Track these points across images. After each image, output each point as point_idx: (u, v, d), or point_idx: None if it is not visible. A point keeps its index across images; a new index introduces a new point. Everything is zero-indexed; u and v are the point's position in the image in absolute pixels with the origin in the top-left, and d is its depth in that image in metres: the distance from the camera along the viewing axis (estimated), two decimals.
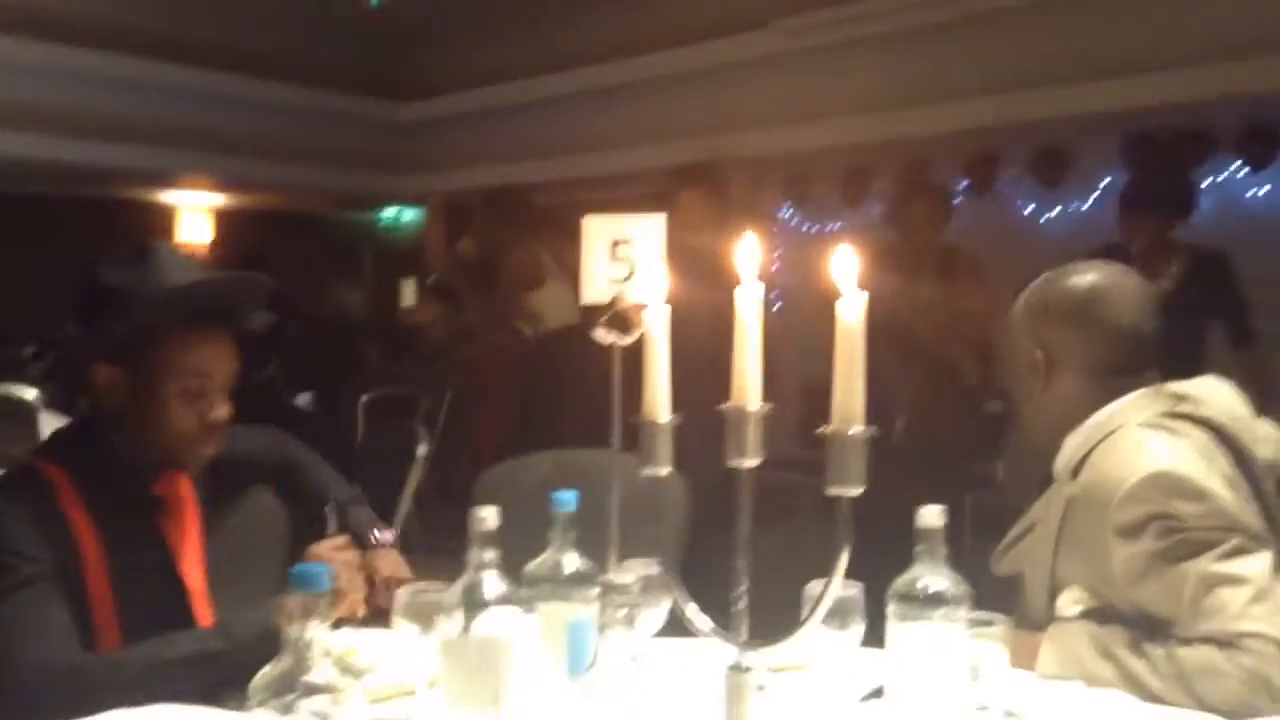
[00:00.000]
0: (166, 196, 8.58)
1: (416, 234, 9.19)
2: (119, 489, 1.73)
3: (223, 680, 1.53)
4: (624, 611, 1.28)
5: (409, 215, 9.39)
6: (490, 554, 1.39)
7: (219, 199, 8.77)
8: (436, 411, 5.16)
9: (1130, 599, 1.66)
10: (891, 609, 1.36)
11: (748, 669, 1.17)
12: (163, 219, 8.69)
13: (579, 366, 4.65)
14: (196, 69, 7.32)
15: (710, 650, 1.29)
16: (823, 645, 1.51)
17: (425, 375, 5.75)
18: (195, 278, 1.73)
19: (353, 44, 8.23)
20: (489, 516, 1.39)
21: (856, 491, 1.09)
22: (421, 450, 3.39)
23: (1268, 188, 5.87)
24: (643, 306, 1.31)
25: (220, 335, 1.74)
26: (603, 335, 1.40)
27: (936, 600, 1.34)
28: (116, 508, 1.70)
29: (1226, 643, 1.53)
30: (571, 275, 4.87)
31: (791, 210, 7.38)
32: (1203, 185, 5.98)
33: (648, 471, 1.26)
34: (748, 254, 1.16)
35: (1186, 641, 1.56)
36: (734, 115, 7.03)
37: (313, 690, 1.02)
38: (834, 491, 1.10)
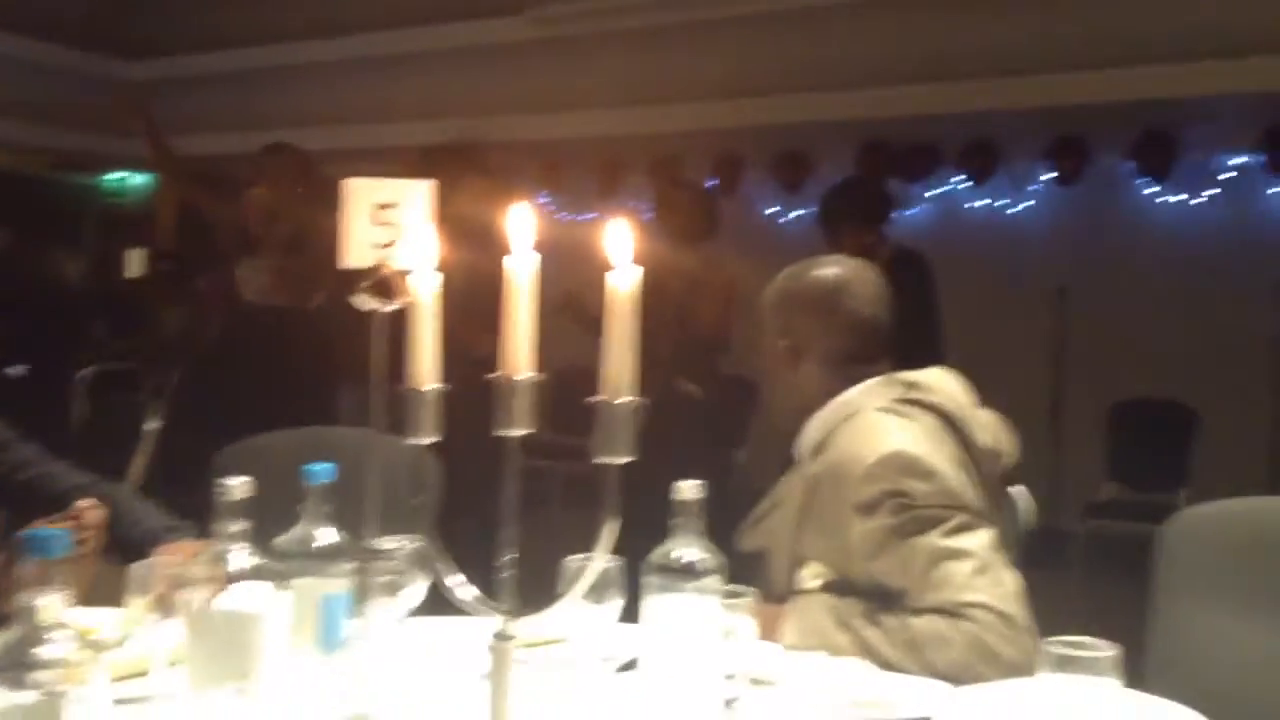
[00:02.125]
0: None
1: (144, 200, 8.65)
2: None
3: None
4: (386, 579, 1.25)
5: (136, 181, 8.82)
6: (238, 526, 1.33)
7: None
8: (165, 387, 4.88)
9: (867, 572, 1.76)
10: (648, 580, 1.39)
11: (511, 637, 1.16)
12: None
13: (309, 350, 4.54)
14: None
15: (467, 627, 1.28)
16: (581, 619, 1.52)
17: (153, 347, 5.43)
18: None
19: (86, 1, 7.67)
20: (237, 487, 1.33)
21: (624, 460, 1.11)
22: (150, 426, 3.19)
23: (986, 201, 6.35)
24: (407, 273, 1.29)
25: None
26: (364, 301, 1.36)
27: (691, 571, 1.38)
28: None
29: (953, 612, 1.64)
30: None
31: (548, 198, 7.40)
32: (925, 195, 6.43)
33: (411, 441, 1.24)
34: (521, 223, 1.16)
35: (917, 612, 1.67)
36: (489, 99, 6.99)
37: (46, 664, 0.95)
38: (601, 460, 1.11)
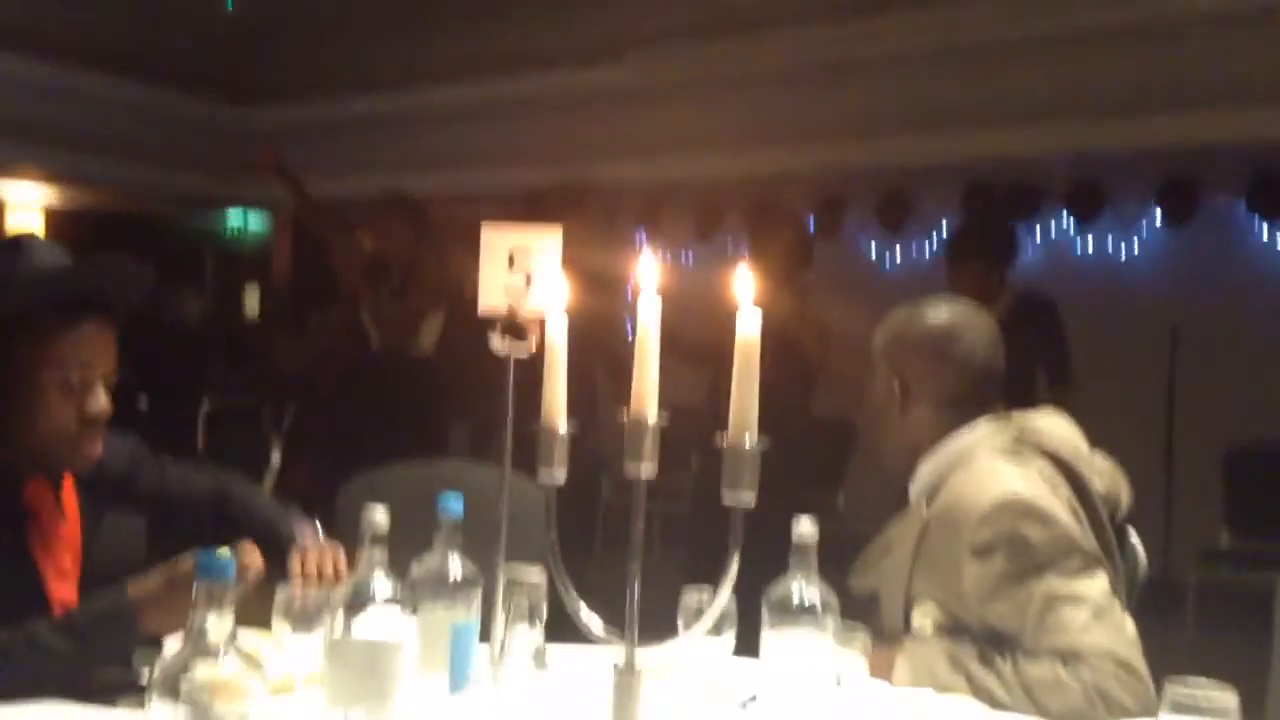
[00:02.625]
0: None
1: (261, 241, 8.96)
2: None
3: (71, 675, 1.50)
4: (524, 608, 1.30)
5: (254, 221, 9.15)
6: (379, 554, 1.40)
7: (49, 197, 8.38)
8: (283, 423, 5.05)
9: (980, 616, 1.76)
10: (766, 616, 1.42)
11: (636, 668, 1.20)
12: None
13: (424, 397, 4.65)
14: (40, 60, 7.02)
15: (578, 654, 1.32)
16: (700, 651, 1.56)
17: (270, 384, 5.62)
18: (68, 262, 1.67)
19: (204, 45, 8.01)
20: (380, 517, 1.39)
21: (750, 500, 1.15)
22: (275, 460, 3.32)
23: (1094, 242, 6.26)
24: (540, 317, 1.35)
25: (97, 324, 1.68)
26: (498, 344, 1.42)
27: (808, 610, 1.41)
28: None
29: (1069, 658, 1.64)
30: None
31: (645, 239, 7.49)
32: (1031, 236, 6.37)
33: (544, 480, 1.29)
34: (647, 268, 1.21)
35: (1032, 656, 1.67)
36: (593, 142, 7.11)
37: (212, 682, 1.02)
38: (729, 500, 1.16)
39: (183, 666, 1.03)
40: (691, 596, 1.53)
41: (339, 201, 6.74)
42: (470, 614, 1.50)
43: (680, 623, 1.52)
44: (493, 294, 1.42)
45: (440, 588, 1.51)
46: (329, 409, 4.68)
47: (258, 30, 8.12)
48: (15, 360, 1.61)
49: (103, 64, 7.31)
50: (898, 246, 6.71)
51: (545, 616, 1.31)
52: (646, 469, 1.21)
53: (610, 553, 1.34)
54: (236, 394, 5.86)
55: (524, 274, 1.40)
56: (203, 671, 1.04)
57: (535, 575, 1.31)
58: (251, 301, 7.88)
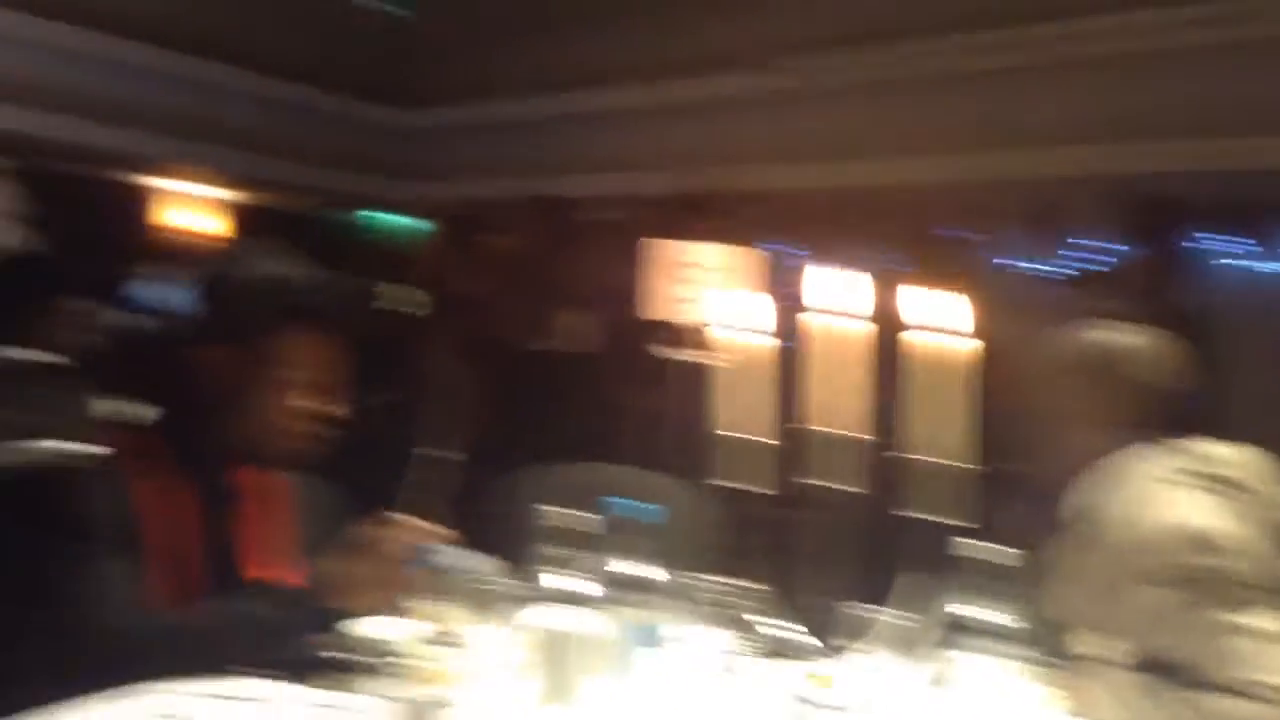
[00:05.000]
0: (162, 182, 8.57)
1: (407, 240, 9.21)
2: (199, 476, 1.77)
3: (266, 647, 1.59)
4: (722, 610, 1.33)
5: (404, 222, 9.41)
6: (558, 551, 1.45)
7: (213, 190, 8.77)
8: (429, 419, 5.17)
9: (1148, 644, 1.74)
10: (951, 641, 1.42)
11: (824, 679, 1.23)
12: (155, 204, 8.68)
13: (572, 392, 4.73)
14: (203, 59, 7.36)
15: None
16: (889, 669, 1.56)
17: (416, 382, 5.76)
18: (305, 274, 1.80)
19: (361, 48, 8.28)
20: (555, 514, 1.45)
21: (942, 518, 1.17)
22: (429, 453, 3.41)
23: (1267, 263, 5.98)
24: (702, 326, 1.39)
25: (327, 332, 1.80)
26: (661, 352, 1.46)
27: (996, 635, 1.41)
28: (193, 494, 1.74)
29: (1242, 691, 1.61)
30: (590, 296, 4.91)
31: (784, 247, 7.46)
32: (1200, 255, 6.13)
33: (720, 484, 1.32)
34: (859, 288, 1.23)
35: (1202, 688, 1.64)
36: (733, 148, 7.12)
37: (426, 668, 1.08)
38: (917, 515, 1.17)
39: (394, 650, 1.09)
40: (884, 617, 1.52)
41: (489, 202, 6.90)
42: (652, 616, 1.55)
43: (862, 640, 1.52)
44: (658, 304, 1.46)
45: (624, 590, 1.55)
46: (473, 406, 4.81)
47: (420, 38, 8.36)
48: (242, 359, 1.74)
49: (278, 69, 7.62)
50: (1054, 261, 6.55)
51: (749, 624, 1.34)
52: (841, 484, 1.23)
53: (769, 562, 1.37)
54: (380, 391, 6.01)
55: (690, 285, 1.44)
56: (413, 655, 1.10)
57: (742, 582, 1.34)
58: (394, 300, 8.09)
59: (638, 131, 7.64)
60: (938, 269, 4.20)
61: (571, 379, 4.37)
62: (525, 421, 4.20)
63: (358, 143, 8.53)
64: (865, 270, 5.11)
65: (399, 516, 1.72)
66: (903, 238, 6.47)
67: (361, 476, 3.31)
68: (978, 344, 4.14)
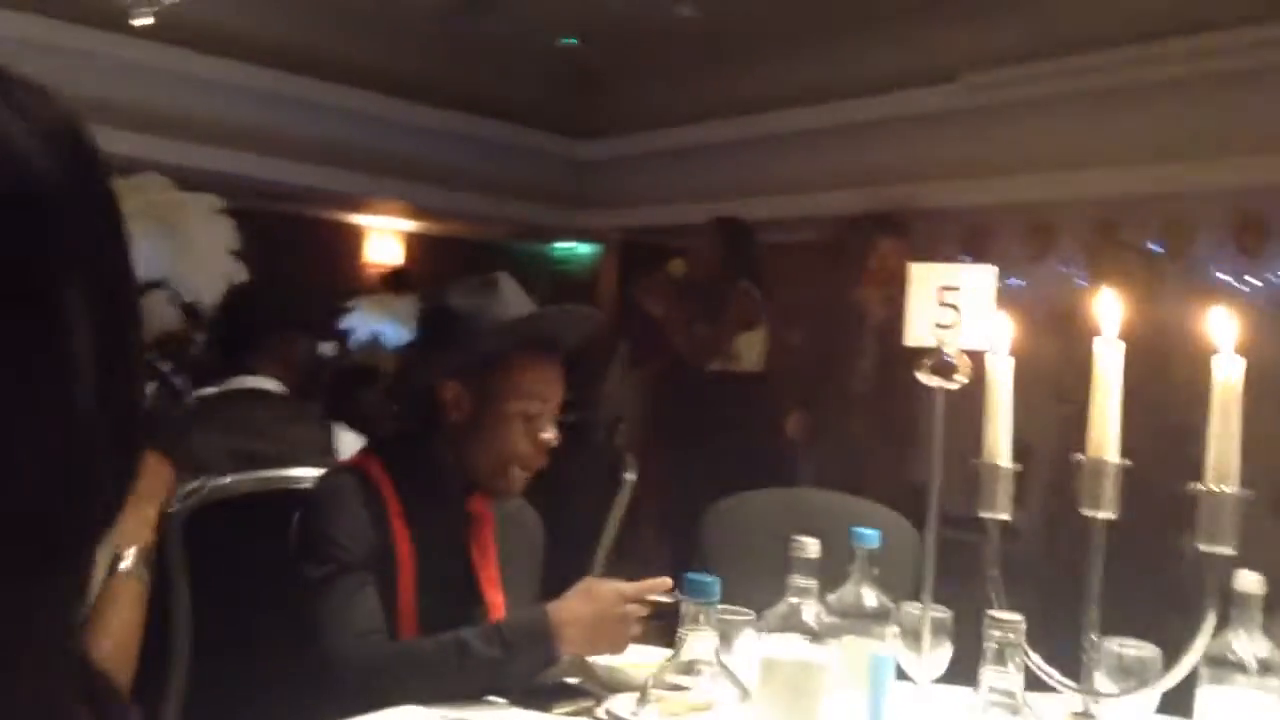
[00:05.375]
0: (358, 218, 8.95)
1: (589, 268, 9.38)
2: (436, 501, 1.83)
3: (493, 683, 1.62)
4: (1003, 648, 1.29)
5: (583, 250, 9.59)
6: (808, 582, 1.44)
7: (407, 224, 9.12)
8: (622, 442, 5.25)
9: None
10: (1203, 671, 1.36)
11: (1090, 718, 1.18)
12: (355, 239, 9.08)
13: (753, 413, 4.74)
14: (395, 99, 7.66)
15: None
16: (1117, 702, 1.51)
17: (600, 405, 5.84)
18: (535, 308, 1.84)
19: (539, 82, 8.49)
20: (810, 545, 1.44)
21: (1229, 551, 1.11)
22: (630, 476, 3.43)
23: None
24: (969, 353, 1.36)
25: (555, 363, 1.85)
26: (926, 379, 1.44)
27: (1250, 667, 1.34)
28: (432, 519, 1.80)
29: None
30: (772, 316, 4.95)
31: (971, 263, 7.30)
32: None
33: (985, 514, 1.29)
34: (1109, 307, 1.19)
35: None
36: (919, 165, 7.02)
37: (700, 697, 1.08)
38: (1205, 548, 1.12)
39: (664, 684, 1.10)
40: (1114, 647, 1.48)
41: (665, 229, 6.96)
42: (885, 645, 1.52)
43: (1097, 673, 1.47)
44: (921, 329, 1.44)
45: (856, 619, 1.53)
46: (657, 428, 4.85)
47: (591, 70, 8.53)
48: (485, 389, 1.79)
49: (453, 103, 7.90)
50: (1257, 272, 6.23)
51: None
52: (1104, 513, 1.19)
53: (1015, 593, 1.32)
54: (568, 412, 6.11)
55: (953, 309, 1.41)
56: (656, 684, 1.10)
57: (1011, 615, 1.31)
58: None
59: (823, 151, 7.61)
60: (1128, 282, 4.01)
61: (751, 401, 4.37)
62: (717, 445, 4.22)
63: (540, 173, 8.74)
64: (1041, 283, 4.94)
65: (628, 585, 1.70)
66: (1087, 250, 6.26)
67: (564, 501, 3.38)
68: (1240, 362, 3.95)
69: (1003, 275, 5.83)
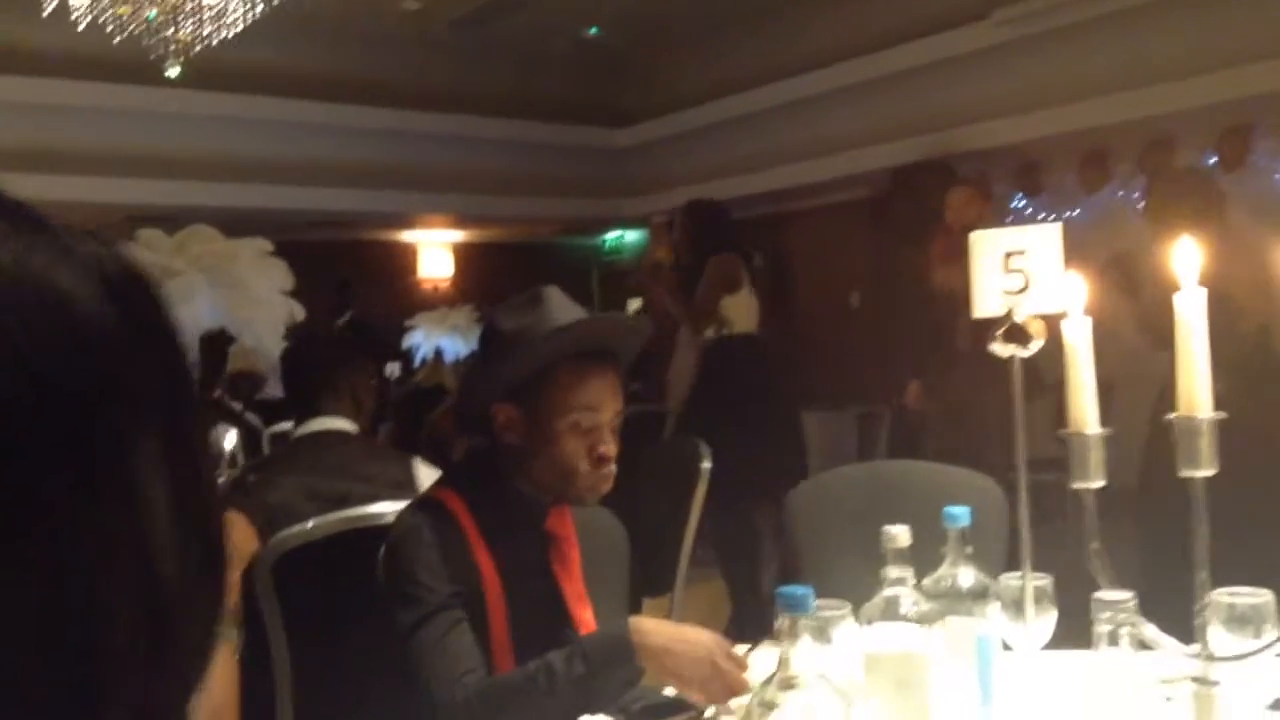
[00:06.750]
0: (407, 235, 9.02)
1: (639, 255, 9.37)
2: (515, 524, 1.81)
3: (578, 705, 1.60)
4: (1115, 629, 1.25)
5: (631, 237, 9.57)
6: (903, 571, 1.41)
7: (456, 235, 9.17)
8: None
9: None
10: None
11: (1215, 682, 1.14)
12: (407, 256, 9.15)
13: (755, 374, 4.79)
14: (433, 113, 7.69)
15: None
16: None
17: (662, 388, 5.83)
18: (579, 317, 1.80)
19: (568, 76, 8.47)
20: (900, 535, 1.41)
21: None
22: (706, 465, 3.40)
23: None
24: (1040, 319, 1.31)
25: (606, 372, 1.80)
26: (1000, 348, 1.39)
27: None
28: (512, 543, 1.78)
29: None
30: (760, 284, 5.03)
31: (1025, 201, 7.17)
32: None
33: (1078, 485, 1.25)
34: (1188, 257, 1.14)
35: None
36: (958, 110, 6.89)
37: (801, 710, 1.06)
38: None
39: (767, 702, 1.08)
40: (1225, 598, 1.43)
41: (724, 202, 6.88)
42: (987, 622, 1.49)
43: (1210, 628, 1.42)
44: (988, 299, 1.39)
45: (955, 600, 1.50)
46: (706, 404, 4.93)
47: (619, 56, 8.49)
48: (535, 406, 1.77)
49: (489, 110, 7.92)
50: None
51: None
52: (1203, 471, 1.14)
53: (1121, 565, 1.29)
54: (637, 401, 6.11)
55: (1020, 275, 1.37)
56: (791, 704, 1.08)
57: (1122, 594, 1.27)
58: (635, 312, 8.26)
59: (844, 110, 7.52)
60: (1189, 201, 3.83)
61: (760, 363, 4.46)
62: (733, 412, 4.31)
63: (577, 166, 8.73)
64: (1101, 214, 4.78)
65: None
66: (1143, 174, 6.11)
67: (642, 498, 3.36)
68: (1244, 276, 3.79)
69: (1060, 210, 5.70)
